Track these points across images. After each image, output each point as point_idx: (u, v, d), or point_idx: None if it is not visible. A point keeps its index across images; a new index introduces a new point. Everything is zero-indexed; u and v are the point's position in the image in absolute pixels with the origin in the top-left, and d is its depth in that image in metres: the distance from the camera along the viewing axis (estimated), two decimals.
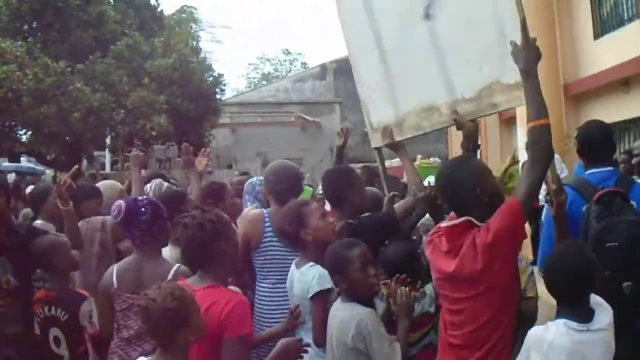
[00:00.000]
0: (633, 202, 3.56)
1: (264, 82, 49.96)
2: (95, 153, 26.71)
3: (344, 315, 3.26)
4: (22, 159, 25.50)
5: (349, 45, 4.47)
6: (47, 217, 5.19)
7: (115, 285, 3.60)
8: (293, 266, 3.84)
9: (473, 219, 2.93)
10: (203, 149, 5.64)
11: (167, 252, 4.00)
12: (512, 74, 3.28)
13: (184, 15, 41.27)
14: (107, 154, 29.83)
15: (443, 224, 3.10)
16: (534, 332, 2.93)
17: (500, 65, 3.30)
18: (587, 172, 3.85)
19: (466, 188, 2.97)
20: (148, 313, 2.57)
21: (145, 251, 3.66)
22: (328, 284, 3.54)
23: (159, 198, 4.78)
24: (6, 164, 22.04)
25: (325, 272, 3.55)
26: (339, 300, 3.43)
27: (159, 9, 26.23)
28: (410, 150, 4.22)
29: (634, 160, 6.87)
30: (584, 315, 2.85)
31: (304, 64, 59.01)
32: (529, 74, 2.98)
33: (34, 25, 20.08)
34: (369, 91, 4.31)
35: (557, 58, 13.63)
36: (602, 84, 13.18)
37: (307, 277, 3.63)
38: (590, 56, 13.89)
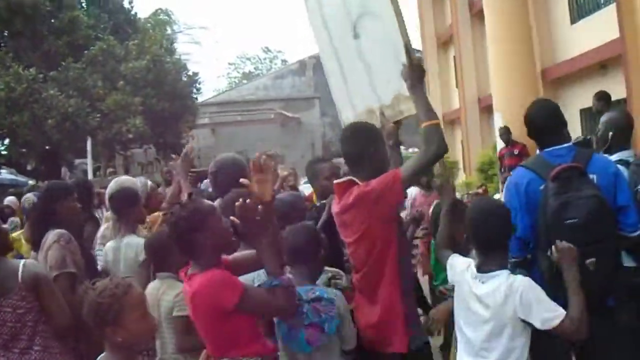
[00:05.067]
0: (593, 176, 3.47)
1: (245, 82, 49.57)
2: (77, 161, 26.41)
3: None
4: (2, 171, 25.15)
5: (319, 48, 4.84)
6: None
7: None
8: None
9: (355, 179, 3.42)
10: (188, 145, 5.50)
11: None
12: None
13: (160, 17, 40.89)
14: (89, 161, 29.49)
15: (335, 181, 3.64)
16: (461, 261, 3.34)
17: (399, 80, 3.75)
18: (543, 151, 3.76)
19: (361, 148, 3.50)
20: (84, 300, 2.58)
21: None
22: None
23: (112, 195, 5.25)
24: None
25: None
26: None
27: (132, 12, 25.92)
28: None
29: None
30: (488, 269, 3.10)
31: (284, 61, 58.63)
32: (415, 88, 3.53)
33: (5, 34, 19.75)
34: (335, 92, 4.75)
35: (532, 44, 13.70)
36: (579, 68, 13.20)
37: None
38: (567, 41, 13.94)
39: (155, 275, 4.14)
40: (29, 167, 21.28)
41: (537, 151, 3.88)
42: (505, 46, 13.40)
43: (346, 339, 3.40)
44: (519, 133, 11.99)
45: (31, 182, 26.04)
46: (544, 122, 3.76)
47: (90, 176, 28.89)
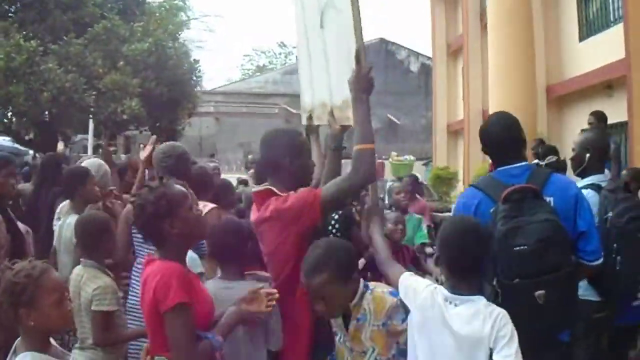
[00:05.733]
0: (550, 199, 3.14)
1: (258, 74, 49.35)
2: (79, 136, 26.34)
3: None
4: (5, 138, 25.06)
5: (295, 23, 4.56)
6: None
7: None
8: None
9: (274, 189, 3.21)
10: (152, 136, 5.25)
11: None
12: None
13: (174, 2, 40.70)
14: (90, 138, 29.42)
15: (253, 189, 3.49)
16: (424, 282, 2.92)
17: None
18: (495, 170, 3.42)
19: (278, 154, 3.28)
20: (1, 280, 2.53)
21: None
22: (198, 268, 3.55)
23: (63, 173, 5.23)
24: None
25: (195, 256, 3.58)
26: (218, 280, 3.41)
27: None
28: (396, 148, 4.09)
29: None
30: (460, 293, 2.72)
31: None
32: (358, 101, 3.19)
33: (13, 6, 19.61)
34: (301, 72, 4.50)
35: (534, 59, 13.40)
36: (584, 87, 12.95)
37: None
38: (574, 58, 13.68)
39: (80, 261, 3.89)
40: (27, 138, 21.14)
41: None
42: (506, 58, 13.04)
43: (273, 339, 3.18)
44: None
45: (31, 152, 25.97)
46: (498, 137, 3.40)
47: (90, 153, 28.85)
